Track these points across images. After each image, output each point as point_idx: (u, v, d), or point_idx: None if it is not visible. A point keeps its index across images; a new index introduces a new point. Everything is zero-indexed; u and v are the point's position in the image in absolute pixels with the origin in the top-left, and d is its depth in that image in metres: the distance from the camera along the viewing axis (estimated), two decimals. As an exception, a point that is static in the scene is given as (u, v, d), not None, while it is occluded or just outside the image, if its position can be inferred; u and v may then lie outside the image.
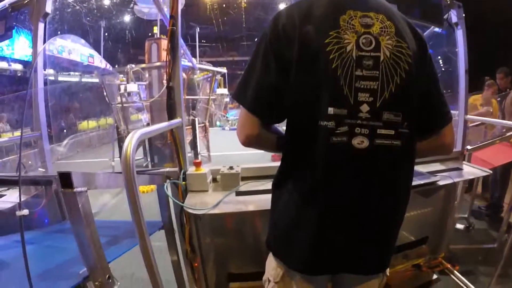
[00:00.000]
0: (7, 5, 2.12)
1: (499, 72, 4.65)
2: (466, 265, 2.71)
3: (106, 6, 17.90)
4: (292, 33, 0.96)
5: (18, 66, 16.49)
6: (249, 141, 1.07)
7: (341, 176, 0.98)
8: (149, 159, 7.34)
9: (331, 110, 0.93)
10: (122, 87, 6.68)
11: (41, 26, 2.25)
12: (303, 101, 0.97)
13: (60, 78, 17.22)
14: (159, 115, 6.82)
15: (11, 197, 2.04)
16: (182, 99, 1.73)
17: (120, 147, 6.93)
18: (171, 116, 1.72)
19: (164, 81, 6.25)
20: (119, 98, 6.89)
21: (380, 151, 0.96)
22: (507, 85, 4.56)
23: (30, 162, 4.63)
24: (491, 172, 2.28)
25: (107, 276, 1.20)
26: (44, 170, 2.44)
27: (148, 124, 7.03)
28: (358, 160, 0.96)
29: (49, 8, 2.23)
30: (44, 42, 2.33)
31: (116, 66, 9.00)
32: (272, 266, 1.17)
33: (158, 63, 7.29)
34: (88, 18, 16.40)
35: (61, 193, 1.07)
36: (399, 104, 0.97)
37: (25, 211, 1.26)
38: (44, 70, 2.48)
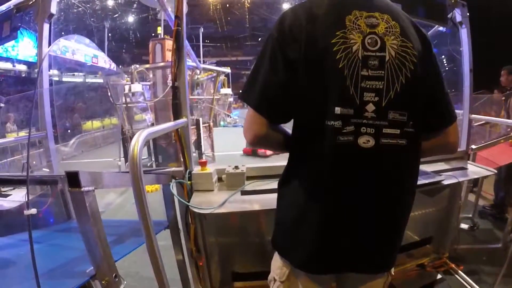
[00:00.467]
0: (12, 6, 2.13)
1: (503, 69, 4.62)
2: (471, 265, 2.70)
3: (110, 7, 17.95)
4: (298, 33, 0.96)
5: (23, 67, 16.54)
6: (256, 141, 1.08)
7: (347, 176, 0.98)
8: (153, 159, 7.34)
9: (337, 109, 0.93)
10: (127, 87, 6.68)
11: (46, 27, 2.25)
12: (310, 101, 0.97)
13: (65, 79, 17.29)
14: (163, 115, 6.82)
15: (17, 196, 2.06)
16: (188, 99, 1.74)
17: (124, 147, 6.95)
18: (176, 116, 1.73)
19: (169, 81, 6.29)
20: (123, 98, 6.89)
21: (386, 150, 0.97)
22: (509, 83, 4.54)
23: (34, 162, 4.64)
24: (496, 171, 2.27)
25: (114, 274, 1.21)
26: (48, 170, 2.45)
27: (152, 124, 7.04)
28: (364, 159, 0.96)
29: (54, 9, 2.23)
30: (49, 42, 2.34)
31: (121, 66, 9.00)
32: (277, 265, 1.17)
33: (162, 63, 7.27)
34: (92, 19, 16.44)
35: (69, 193, 1.08)
36: (404, 103, 0.97)
37: (33, 210, 1.27)
38: (49, 70, 2.50)
